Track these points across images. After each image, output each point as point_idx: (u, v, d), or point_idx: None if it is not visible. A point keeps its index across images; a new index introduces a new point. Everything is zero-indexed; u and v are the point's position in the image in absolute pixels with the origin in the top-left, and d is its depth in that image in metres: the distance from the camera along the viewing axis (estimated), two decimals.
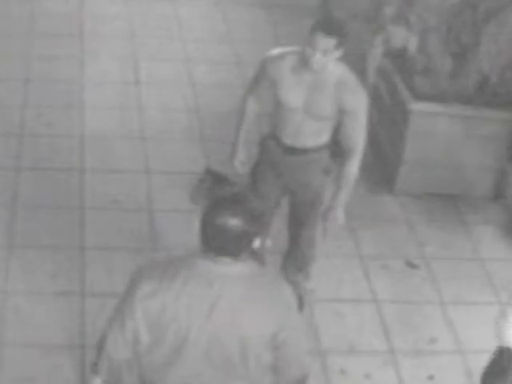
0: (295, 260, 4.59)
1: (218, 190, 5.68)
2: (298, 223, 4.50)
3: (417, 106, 5.36)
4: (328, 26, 3.73)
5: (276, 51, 4.16)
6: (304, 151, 4.18)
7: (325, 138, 4.12)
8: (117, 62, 7.20)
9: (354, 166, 4.10)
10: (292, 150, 4.19)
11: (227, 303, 2.53)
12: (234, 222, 2.44)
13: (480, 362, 3.59)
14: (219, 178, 5.58)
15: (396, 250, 5.20)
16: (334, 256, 4.97)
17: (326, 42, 3.64)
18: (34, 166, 5.74)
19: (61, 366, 4.20)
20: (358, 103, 3.97)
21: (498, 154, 5.61)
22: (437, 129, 5.44)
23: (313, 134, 4.12)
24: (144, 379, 2.77)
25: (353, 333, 4.59)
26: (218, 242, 2.48)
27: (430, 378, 4.28)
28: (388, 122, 5.68)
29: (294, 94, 4.00)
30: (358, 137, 4.09)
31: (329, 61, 3.76)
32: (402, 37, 5.78)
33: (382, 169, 5.81)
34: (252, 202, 2.57)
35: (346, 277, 4.93)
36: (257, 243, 2.54)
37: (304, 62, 3.83)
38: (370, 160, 5.68)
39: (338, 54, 3.75)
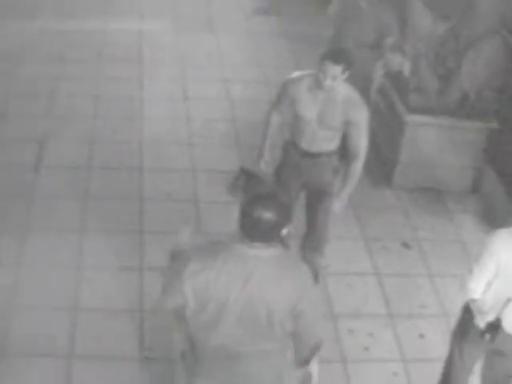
0: (312, 242, 4.76)
1: (252, 187, 5.64)
2: (314, 211, 4.69)
3: (410, 118, 5.60)
4: (335, 55, 4.03)
5: (295, 74, 4.43)
6: (318, 155, 4.43)
7: (334, 144, 4.38)
8: (169, 82, 7.44)
9: (357, 168, 4.36)
10: (308, 154, 4.43)
11: (258, 279, 2.77)
12: (268, 215, 2.67)
13: None
14: (251, 176, 5.53)
15: (394, 234, 5.44)
16: (343, 238, 5.23)
17: (334, 69, 3.92)
18: (102, 166, 5.99)
19: (123, 326, 4.52)
20: (361, 117, 4.21)
21: (476, 156, 5.81)
22: (426, 136, 5.68)
23: (324, 141, 4.36)
24: (191, 337, 3.09)
25: (359, 300, 4.85)
26: (253, 231, 2.72)
27: (421, 336, 4.59)
28: (387, 131, 5.85)
29: (309, 109, 4.22)
30: (361, 144, 4.31)
31: (337, 83, 4.04)
32: (398, 62, 5.91)
33: (382, 168, 6.01)
34: (282, 198, 2.85)
35: (354, 255, 5.20)
36: (285, 231, 2.79)
37: (317, 84, 4.09)
38: (373, 161, 5.68)
39: (344, 76, 4.02)
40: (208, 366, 3.08)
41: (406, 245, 5.33)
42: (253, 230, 2.70)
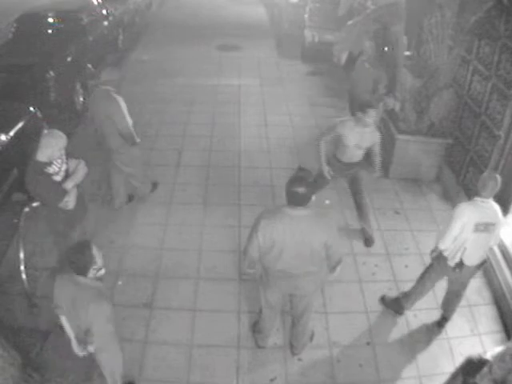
0: (360, 210, 5.10)
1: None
2: (355, 192, 5.08)
3: (399, 136, 6.03)
4: (368, 106, 4.47)
5: (342, 119, 4.86)
6: (354, 164, 4.88)
7: (362, 156, 4.80)
8: (255, 115, 8.00)
9: (377, 157, 4.73)
10: (347, 164, 4.88)
11: (301, 229, 3.11)
12: (300, 189, 3.00)
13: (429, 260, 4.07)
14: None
15: (389, 205, 5.75)
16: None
17: (373, 113, 4.45)
18: (216, 165, 6.53)
19: (225, 261, 4.86)
20: (378, 140, 4.68)
21: (438, 159, 6.12)
22: (409, 147, 6.01)
23: (357, 156, 4.78)
24: (264, 266, 3.41)
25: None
26: (293, 200, 3.06)
27: (406, 266, 4.90)
28: (385, 144, 5.70)
29: (351, 140, 4.64)
30: (377, 153, 4.72)
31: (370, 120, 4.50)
32: (392, 103, 6.24)
33: (383, 166, 5.40)
34: (308, 179, 3.11)
35: None
36: (313, 198, 3.12)
37: (357, 124, 4.53)
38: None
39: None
40: (273, 281, 3.45)
41: (396, 212, 5.67)
42: (293, 199, 3.04)
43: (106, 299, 2.96)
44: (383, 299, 4.47)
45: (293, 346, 3.99)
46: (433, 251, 3.93)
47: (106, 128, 4.94)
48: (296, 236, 3.09)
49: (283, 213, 3.10)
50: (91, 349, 3.00)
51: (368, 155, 4.80)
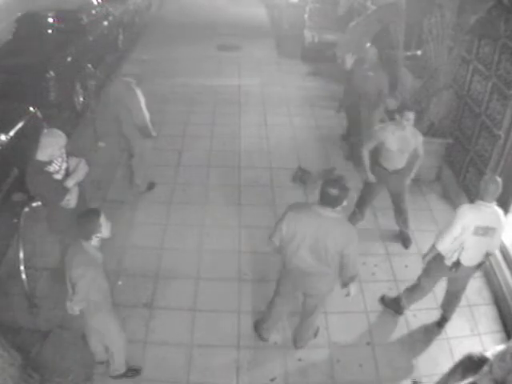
0: (400, 214, 5.12)
1: (305, 178, 5.98)
2: (397, 197, 5.05)
3: None
4: (411, 106, 4.61)
5: (378, 126, 4.86)
6: (399, 170, 4.82)
7: (405, 162, 4.79)
8: (255, 115, 8.03)
9: (420, 161, 4.74)
10: (393, 172, 4.82)
11: (323, 229, 3.19)
12: (333, 191, 3.10)
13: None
14: (304, 171, 6.22)
15: (389, 205, 5.32)
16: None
17: (410, 115, 4.42)
18: (216, 165, 6.52)
19: (225, 261, 4.88)
20: (420, 142, 4.66)
21: (438, 159, 6.10)
22: None
23: (402, 161, 4.76)
24: (283, 259, 3.51)
25: (369, 244, 5.07)
26: (324, 199, 3.17)
27: (406, 266, 4.86)
28: None
29: (393, 144, 4.61)
30: (420, 155, 4.72)
31: (409, 123, 4.49)
32: (393, 104, 6.32)
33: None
34: (343, 182, 3.16)
35: (369, 218, 5.44)
36: (344, 203, 3.20)
37: (397, 128, 4.52)
38: None
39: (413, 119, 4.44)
40: (290, 276, 3.56)
41: None
42: (324, 199, 3.16)
43: (95, 267, 3.12)
44: (383, 299, 4.48)
45: (296, 340, 4.05)
46: (425, 255, 3.94)
47: (122, 117, 5.20)
48: (316, 234, 3.18)
49: (312, 209, 3.22)
50: (74, 305, 3.14)
51: (410, 160, 4.80)
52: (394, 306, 4.38)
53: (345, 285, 3.48)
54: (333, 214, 3.18)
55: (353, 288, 3.46)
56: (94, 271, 3.10)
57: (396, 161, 4.72)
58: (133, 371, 3.75)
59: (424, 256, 3.95)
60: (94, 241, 3.14)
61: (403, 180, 4.84)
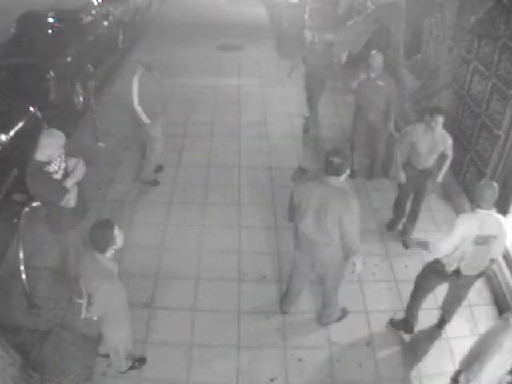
0: (414, 219, 5.10)
1: (305, 177, 5.57)
2: (417, 198, 5.03)
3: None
4: (440, 110, 4.53)
5: (410, 127, 4.86)
6: (427, 170, 4.85)
7: (434, 162, 4.81)
8: (255, 115, 7.97)
9: (449, 162, 4.75)
10: (421, 171, 4.85)
11: (326, 195, 3.36)
12: (336, 159, 3.29)
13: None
14: (303, 170, 6.28)
15: (389, 205, 5.47)
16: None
17: (441, 118, 4.43)
18: (216, 165, 6.51)
19: (225, 261, 4.87)
20: (450, 142, 4.65)
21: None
22: None
23: (431, 161, 4.80)
24: (295, 227, 3.70)
25: (369, 245, 5.01)
26: (328, 168, 3.35)
27: (406, 266, 4.85)
28: (386, 146, 5.92)
29: (423, 146, 4.66)
30: (449, 156, 4.71)
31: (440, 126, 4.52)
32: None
33: (383, 168, 6.24)
34: (346, 153, 3.36)
35: (367, 217, 5.35)
36: (347, 172, 3.36)
37: (427, 129, 4.55)
38: (378, 166, 6.24)
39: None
40: (300, 244, 3.76)
41: None
42: (328, 168, 3.34)
43: (111, 279, 3.11)
44: (391, 322, 4.34)
45: (319, 316, 4.23)
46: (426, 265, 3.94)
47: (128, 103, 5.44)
48: (319, 200, 3.35)
49: (318, 177, 3.44)
50: (90, 315, 3.17)
51: (438, 161, 4.84)
52: (403, 326, 4.27)
53: (346, 257, 3.58)
54: (337, 183, 3.33)
55: (358, 264, 3.52)
56: (110, 283, 3.11)
57: (425, 161, 4.77)
58: (139, 361, 3.80)
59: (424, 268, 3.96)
60: (109, 253, 3.14)
61: (429, 180, 4.87)
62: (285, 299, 4.31)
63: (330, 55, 6.70)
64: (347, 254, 3.57)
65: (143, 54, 5.50)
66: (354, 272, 3.62)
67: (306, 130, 7.31)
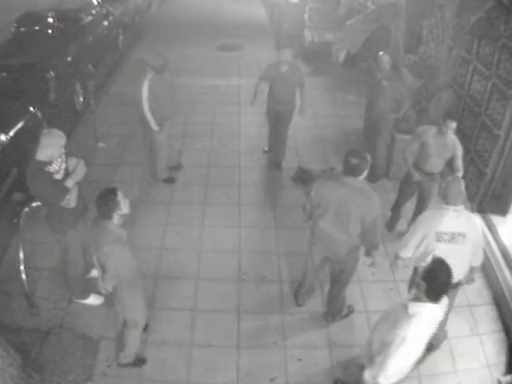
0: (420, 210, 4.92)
1: (306, 178, 5.98)
2: (422, 200, 5.02)
3: (399, 137, 5.99)
4: (453, 115, 4.55)
5: (423, 127, 4.82)
6: (432, 173, 4.85)
7: (441, 167, 4.82)
8: (255, 115, 7.64)
9: (459, 164, 4.60)
10: (427, 174, 4.87)
11: (346, 194, 3.44)
12: (354, 160, 3.37)
13: None
14: (304, 171, 6.29)
15: (389, 205, 5.51)
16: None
17: (453, 124, 4.41)
18: (216, 165, 6.56)
19: (225, 261, 4.90)
20: (459, 154, 4.58)
21: None
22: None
23: (438, 165, 4.80)
24: (312, 223, 3.77)
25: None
26: (347, 169, 3.43)
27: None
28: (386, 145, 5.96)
29: (433, 148, 4.65)
30: (460, 166, 4.58)
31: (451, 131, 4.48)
32: None
33: (383, 168, 6.24)
34: (364, 155, 3.35)
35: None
36: (365, 173, 3.38)
37: (440, 132, 4.53)
38: (377, 167, 6.12)
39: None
40: (315, 240, 3.83)
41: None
42: (346, 169, 3.43)
43: (121, 244, 3.20)
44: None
45: (325, 312, 4.24)
46: (392, 264, 3.85)
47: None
48: (340, 199, 3.43)
49: (337, 177, 3.52)
50: (106, 285, 3.23)
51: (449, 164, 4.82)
52: None
53: (368, 253, 3.67)
54: (356, 183, 3.39)
55: (376, 258, 3.66)
56: (121, 248, 3.18)
57: (432, 163, 4.77)
58: (140, 360, 3.82)
59: (390, 265, 3.89)
60: (116, 219, 3.19)
61: (435, 184, 4.85)
62: (299, 293, 4.37)
63: (298, 72, 6.03)
64: (369, 249, 3.67)
65: (154, 56, 5.30)
66: (370, 264, 3.78)
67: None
